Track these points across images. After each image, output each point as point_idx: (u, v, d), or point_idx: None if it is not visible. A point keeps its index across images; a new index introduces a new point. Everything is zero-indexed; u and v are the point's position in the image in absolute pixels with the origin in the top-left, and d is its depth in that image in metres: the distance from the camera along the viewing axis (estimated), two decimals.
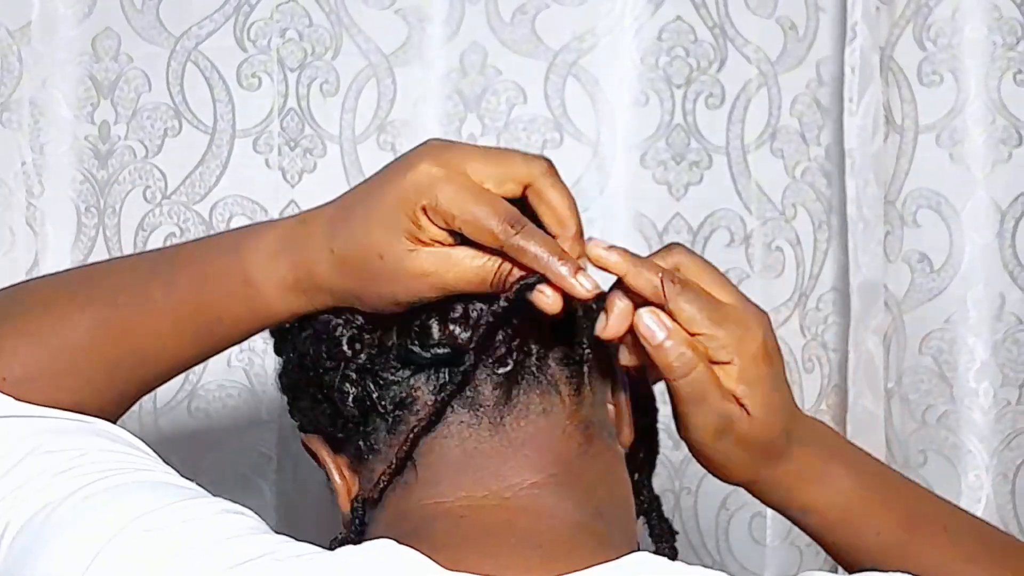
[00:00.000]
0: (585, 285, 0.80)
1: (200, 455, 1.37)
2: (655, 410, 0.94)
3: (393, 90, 1.40)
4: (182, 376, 1.33)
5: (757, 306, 0.87)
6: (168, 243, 1.35)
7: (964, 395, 1.46)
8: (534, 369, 0.85)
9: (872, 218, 1.44)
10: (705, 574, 0.78)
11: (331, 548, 0.84)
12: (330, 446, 0.89)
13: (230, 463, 1.38)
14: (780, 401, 0.86)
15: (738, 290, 0.87)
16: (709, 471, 0.89)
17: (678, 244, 0.88)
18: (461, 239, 0.81)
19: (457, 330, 0.84)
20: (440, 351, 0.84)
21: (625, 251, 0.82)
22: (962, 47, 1.45)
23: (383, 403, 0.85)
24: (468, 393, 0.84)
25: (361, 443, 0.87)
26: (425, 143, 0.83)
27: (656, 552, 0.85)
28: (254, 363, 1.39)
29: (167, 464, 0.87)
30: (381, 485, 0.85)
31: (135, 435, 0.89)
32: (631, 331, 0.83)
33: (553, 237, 0.82)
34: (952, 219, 1.46)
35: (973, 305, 1.45)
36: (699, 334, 0.83)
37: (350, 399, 0.86)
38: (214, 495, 0.83)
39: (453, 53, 1.41)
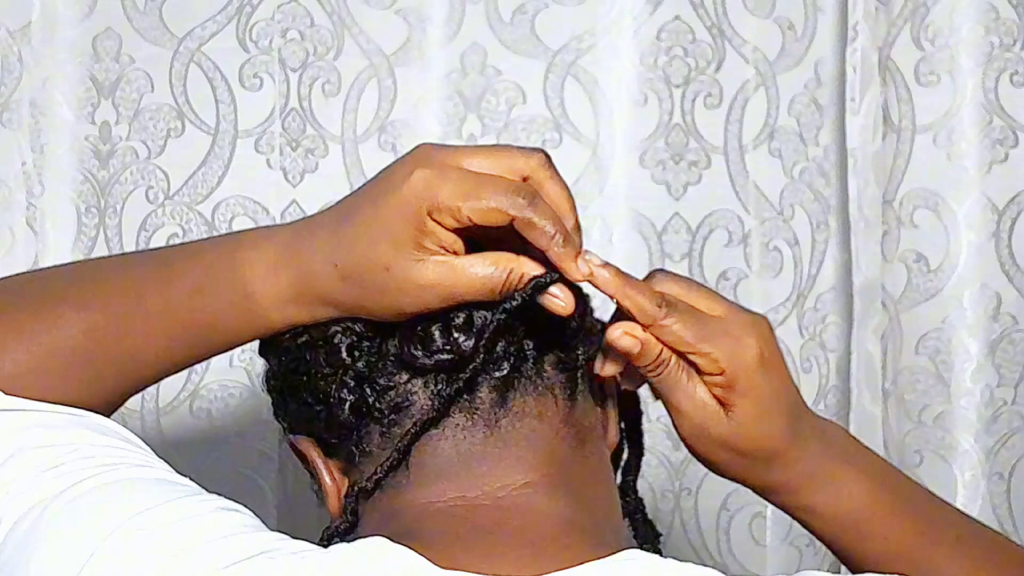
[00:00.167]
0: (582, 269, 0.81)
1: (201, 455, 1.37)
2: (640, 413, 0.95)
3: (394, 90, 1.40)
4: (184, 376, 1.35)
5: (754, 314, 0.87)
6: (170, 243, 1.35)
7: (960, 395, 1.46)
8: (531, 373, 0.86)
9: (872, 218, 1.44)
10: (696, 570, 0.78)
11: (324, 537, 0.85)
12: (321, 448, 0.89)
13: (231, 463, 1.38)
14: (778, 409, 0.87)
15: (728, 302, 0.88)
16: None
17: (660, 270, 0.89)
18: (468, 243, 0.82)
19: (460, 336, 0.84)
20: (443, 357, 0.84)
21: (617, 270, 0.83)
22: (959, 48, 1.44)
23: (379, 407, 0.85)
24: (464, 396, 0.84)
25: (354, 447, 0.86)
26: (415, 148, 0.83)
27: None
28: (256, 363, 1.38)
29: (166, 463, 0.87)
30: (378, 475, 0.84)
31: (136, 435, 0.88)
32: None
33: None
34: (949, 219, 1.46)
35: (969, 305, 1.45)
36: (689, 353, 0.84)
37: (346, 405, 0.86)
38: (214, 494, 0.83)
39: (453, 53, 1.41)
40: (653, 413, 1.37)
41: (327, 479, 0.88)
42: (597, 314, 0.91)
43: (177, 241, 1.35)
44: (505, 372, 0.85)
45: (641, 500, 0.94)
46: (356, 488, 0.85)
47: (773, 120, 1.47)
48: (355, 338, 0.86)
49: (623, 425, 0.94)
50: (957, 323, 1.46)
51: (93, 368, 0.89)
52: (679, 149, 1.45)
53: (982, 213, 1.45)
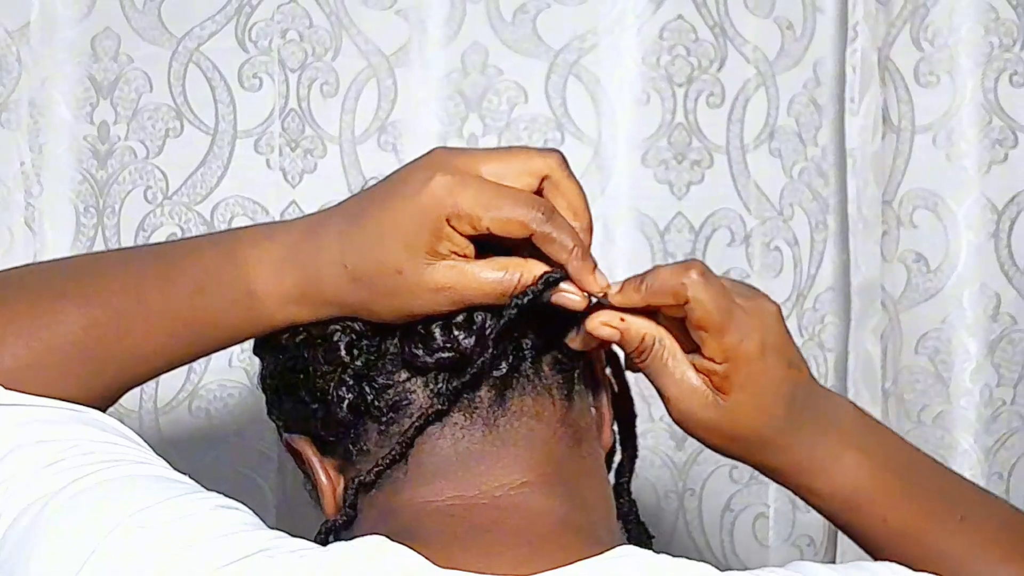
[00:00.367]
0: (600, 283, 0.83)
1: (200, 454, 1.37)
2: (634, 415, 0.95)
3: (394, 91, 1.40)
4: (183, 376, 1.35)
5: (765, 300, 0.87)
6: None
7: (959, 395, 1.46)
8: (529, 373, 0.86)
9: (871, 218, 1.44)
10: (690, 565, 0.79)
11: (321, 531, 0.85)
12: (317, 447, 0.89)
13: (230, 462, 1.38)
14: (774, 400, 0.87)
15: (740, 291, 0.87)
16: None
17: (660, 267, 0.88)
18: (480, 248, 0.82)
19: (461, 335, 0.84)
20: (444, 355, 0.84)
21: (628, 282, 0.85)
22: (959, 48, 1.44)
23: (377, 406, 0.85)
24: (464, 395, 0.85)
25: (351, 445, 0.87)
26: (430, 152, 0.84)
27: None
28: (255, 363, 1.38)
29: (165, 462, 0.87)
30: (379, 467, 0.85)
31: (135, 433, 0.88)
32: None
33: None
34: (948, 219, 1.46)
35: (969, 305, 1.45)
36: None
37: (345, 404, 0.86)
38: (213, 492, 0.84)
39: (454, 53, 1.41)
40: (655, 413, 1.38)
41: (322, 477, 0.88)
42: None
43: None
44: (504, 372, 0.85)
45: (634, 502, 0.94)
46: (356, 481, 0.86)
47: (773, 120, 1.47)
48: (354, 336, 0.86)
49: (616, 427, 0.94)
50: (956, 323, 1.46)
51: (92, 364, 0.89)
52: (682, 148, 1.45)
53: (981, 213, 1.45)
